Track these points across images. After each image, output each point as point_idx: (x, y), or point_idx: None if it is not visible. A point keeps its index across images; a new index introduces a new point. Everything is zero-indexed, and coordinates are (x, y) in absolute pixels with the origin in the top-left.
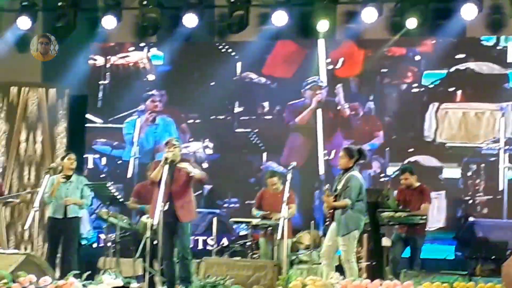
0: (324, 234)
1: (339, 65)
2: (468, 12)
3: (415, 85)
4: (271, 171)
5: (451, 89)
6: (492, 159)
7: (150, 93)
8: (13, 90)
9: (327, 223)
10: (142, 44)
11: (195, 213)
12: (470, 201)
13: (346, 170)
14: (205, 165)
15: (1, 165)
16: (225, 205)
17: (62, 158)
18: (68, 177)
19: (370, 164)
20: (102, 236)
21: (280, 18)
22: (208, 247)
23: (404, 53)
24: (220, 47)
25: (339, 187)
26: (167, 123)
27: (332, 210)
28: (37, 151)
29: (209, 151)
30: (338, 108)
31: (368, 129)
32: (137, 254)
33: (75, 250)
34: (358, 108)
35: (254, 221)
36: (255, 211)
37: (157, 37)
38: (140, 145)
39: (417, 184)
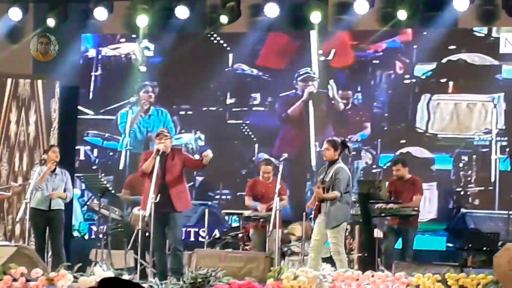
0: None
1: (331, 56)
2: (460, 3)
3: (407, 76)
4: (267, 159)
5: (443, 80)
6: (484, 150)
7: (143, 83)
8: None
9: (311, 216)
10: (133, 36)
11: (190, 203)
12: (462, 193)
13: (332, 162)
14: (196, 156)
15: None
16: (217, 196)
17: (46, 151)
18: (53, 170)
19: (361, 156)
20: (94, 228)
21: (272, 10)
22: (200, 239)
23: (395, 44)
24: (212, 38)
25: (327, 179)
26: (161, 113)
27: (318, 203)
28: (30, 134)
29: (200, 143)
30: (330, 100)
31: (358, 119)
32: (129, 246)
33: (63, 242)
34: (349, 98)
35: (246, 213)
36: (250, 202)
37: (149, 28)
38: (133, 135)
39: (409, 176)
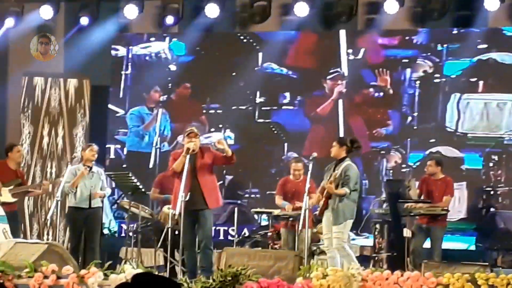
0: None
1: (360, 55)
2: (491, 3)
3: (437, 75)
4: (297, 157)
5: (473, 80)
6: None
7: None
8: (38, 81)
9: (316, 212)
10: (164, 34)
11: (221, 200)
12: (492, 192)
13: (340, 160)
14: None
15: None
16: (246, 195)
17: (84, 149)
18: (89, 168)
19: (390, 155)
20: (124, 226)
21: (302, 9)
22: (229, 237)
23: (426, 43)
24: (242, 37)
25: (337, 176)
26: (164, 116)
27: (326, 199)
28: (58, 145)
29: (230, 142)
30: (360, 98)
31: (380, 117)
32: (159, 244)
33: (98, 240)
34: (379, 97)
35: (275, 212)
36: (280, 201)
37: (179, 27)
38: (150, 135)
39: (442, 175)
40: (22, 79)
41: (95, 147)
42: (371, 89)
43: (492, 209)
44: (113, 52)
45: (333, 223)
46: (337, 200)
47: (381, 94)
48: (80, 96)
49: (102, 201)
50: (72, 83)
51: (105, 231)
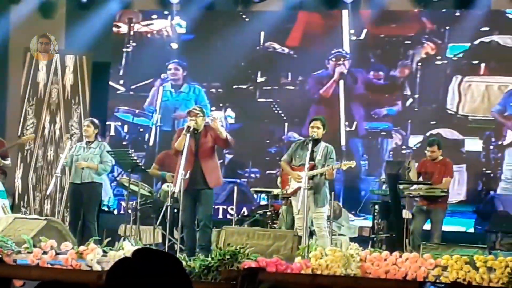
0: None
1: (362, 36)
2: None
3: (439, 57)
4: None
5: (475, 62)
6: None
7: (174, 60)
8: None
9: (297, 195)
10: (165, 12)
11: (221, 179)
12: (491, 175)
13: (318, 141)
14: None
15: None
16: (246, 174)
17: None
18: (88, 143)
19: (391, 136)
20: (123, 203)
21: None
22: (229, 216)
23: (428, 25)
24: (244, 16)
25: (318, 157)
26: (193, 91)
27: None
28: (56, 133)
29: (230, 121)
30: (362, 79)
31: (389, 97)
32: (157, 222)
33: (95, 216)
34: (380, 79)
35: (275, 191)
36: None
37: (181, 5)
38: (162, 112)
39: (441, 157)
40: (23, 56)
41: (86, 121)
42: (373, 70)
43: (491, 192)
44: (114, 29)
45: (317, 205)
46: (322, 182)
47: (383, 75)
48: (80, 72)
49: (107, 177)
50: (73, 59)
51: (104, 208)
